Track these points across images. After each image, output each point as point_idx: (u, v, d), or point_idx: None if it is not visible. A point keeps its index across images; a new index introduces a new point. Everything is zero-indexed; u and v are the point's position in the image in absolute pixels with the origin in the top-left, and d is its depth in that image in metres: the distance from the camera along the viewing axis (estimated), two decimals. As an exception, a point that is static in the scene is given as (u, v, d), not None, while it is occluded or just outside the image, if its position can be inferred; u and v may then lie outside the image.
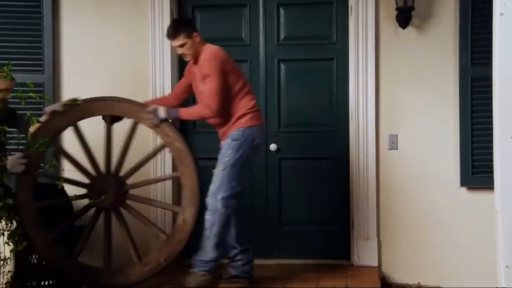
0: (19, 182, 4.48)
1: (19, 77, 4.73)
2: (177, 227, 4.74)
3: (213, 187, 4.55)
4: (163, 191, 5.66)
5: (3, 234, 4.00)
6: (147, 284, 4.74)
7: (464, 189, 5.40)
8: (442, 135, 5.44)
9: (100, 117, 4.79)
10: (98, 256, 4.85)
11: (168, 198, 5.64)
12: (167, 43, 5.65)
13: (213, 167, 4.67)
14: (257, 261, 4.94)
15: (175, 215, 5.06)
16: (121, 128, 4.83)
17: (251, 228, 5.49)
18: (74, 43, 5.72)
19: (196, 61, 4.72)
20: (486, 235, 5.29)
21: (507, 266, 3.48)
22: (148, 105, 4.70)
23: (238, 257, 4.75)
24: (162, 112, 4.63)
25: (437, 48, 5.44)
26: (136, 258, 4.83)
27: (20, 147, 4.33)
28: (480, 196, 5.35)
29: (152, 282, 4.76)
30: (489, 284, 5.16)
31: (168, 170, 5.64)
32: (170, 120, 4.70)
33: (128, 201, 4.86)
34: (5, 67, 3.83)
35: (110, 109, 4.73)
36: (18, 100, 4.28)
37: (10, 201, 3.76)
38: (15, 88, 4.20)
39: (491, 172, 5.18)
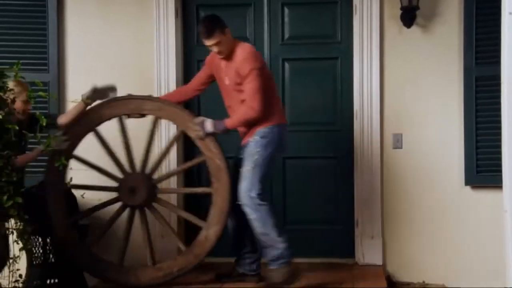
0: (50, 163, 4.64)
1: (25, 76, 4.72)
2: (198, 242, 4.78)
3: (244, 186, 4.53)
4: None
5: (12, 233, 3.99)
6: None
7: (468, 188, 5.41)
8: (447, 134, 5.45)
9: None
10: (110, 253, 4.93)
11: (173, 201, 5.63)
12: (172, 42, 5.68)
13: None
14: (262, 260, 4.92)
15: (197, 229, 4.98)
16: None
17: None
18: (78, 42, 5.72)
19: (226, 57, 4.67)
20: (490, 234, 5.35)
21: (516, 266, 3.48)
22: (194, 115, 4.77)
23: (246, 255, 4.77)
24: (209, 125, 4.63)
25: (441, 48, 5.46)
26: (151, 261, 4.87)
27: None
28: (484, 195, 5.37)
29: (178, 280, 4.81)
30: (493, 284, 5.19)
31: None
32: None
33: (154, 204, 4.94)
34: (14, 66, 3.81)
35: (160, 112, 4.79)
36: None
37: (19, 199, 3.76)
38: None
39: (496, 171, 5.23)
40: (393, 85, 5.53)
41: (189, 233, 5.49)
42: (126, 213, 4.97)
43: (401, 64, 5.51)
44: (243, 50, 4.60)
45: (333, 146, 5.67)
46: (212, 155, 4.70)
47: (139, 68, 5.70)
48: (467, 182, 5.40)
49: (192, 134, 4.72)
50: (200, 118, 4.70)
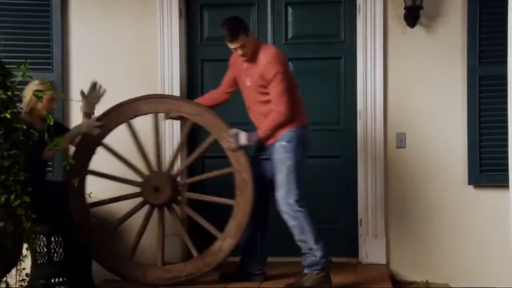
0: (78, 148, 4.78)
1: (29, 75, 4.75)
2: (211, 251, 4.80)
3: (281, 193, 4.53)
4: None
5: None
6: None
7: (472, 187, 5.43)
8: (450, 133, 5.47)
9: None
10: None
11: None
12: (176, 41, 5.69)
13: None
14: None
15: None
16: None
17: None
18: (82, 42, 5.73)
19: (249, 58, 4.66)
20: (494, 233, 5.37)
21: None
22: (229, 126, 4.75)
23: (253, 254, 4.81)
24: (243, 138, 4.64)
25: (445, 47, 5.47)
26: (160, 262, 4.88)
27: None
28: (488, 194, 5.41)
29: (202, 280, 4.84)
30: (497, 283, 5.21)
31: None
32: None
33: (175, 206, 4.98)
34: (22, 66, 3.81)
35: (198, 117, 4.81)
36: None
37: (26, 199, 3.74)
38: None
39: (499, 170, 5.28)
40: (396, 84, 5.54)
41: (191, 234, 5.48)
42: (143, 210, 5.01)
43: (405, 63, 5.52)
44: (267, 53, 4.57)
45: (337, 146, 5.69)
46: (240, 169, 4.71)
47: (143, 67, 5.70)
48: (471, 182, 5.41)
49: (224, 144, 4.73)
50: (235, 130, 4.68)
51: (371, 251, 5.53)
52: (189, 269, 4.82)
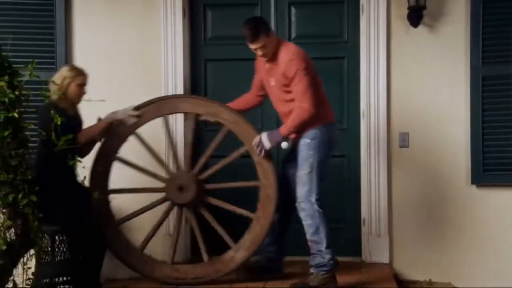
0: (110, 134, 4.80)
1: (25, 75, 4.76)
2: (222, 259, 4.83)
3: (303, 191, 4.53)
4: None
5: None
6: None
7: (475, 187, 5.44)
8: (453, 133, 5.49)
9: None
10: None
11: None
12: (179, 41, 5.69)
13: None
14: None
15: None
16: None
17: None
18: (86, 41, 5.73)
19: (270, 58, 4.66)
20: (497, 233, 5.39)
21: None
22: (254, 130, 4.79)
23: (270, 248, 4.82)
24: (266, 142, 4.62)
25: (448, 47, 5.49)
26: (170, 260, 4.91)
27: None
28: (491, 194, 5.43)
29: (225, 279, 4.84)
30: (500, 283, 5.25)
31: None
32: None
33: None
34: (29, 65, 3.83)
35: (235, 125, 4.81)
36: (36, 98, 4.31)
37: (34, 198, 3.76)
38: (39, 86, 4.22)
39: (503, 170, 5.31)
40: (399, 84, 5.55)
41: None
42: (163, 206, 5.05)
43: (408, 63, 5.54)
44: (287, 51, 4.58)
45: (340, 145, 5.65)
46: (267, 184, 4.72)
47: (146, 67, 5.70)
48: (474, 181, 5.43)
49: (256, 158, 4.74)
50: (257, 138, 4.67)
51: (374, 250, 5.54)
52: (198, 272, 4.83)
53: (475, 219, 5.46)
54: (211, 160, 5.07)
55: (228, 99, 5.04)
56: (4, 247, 3.74)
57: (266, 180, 4.72)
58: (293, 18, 5.78)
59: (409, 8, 5.40)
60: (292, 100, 4.59)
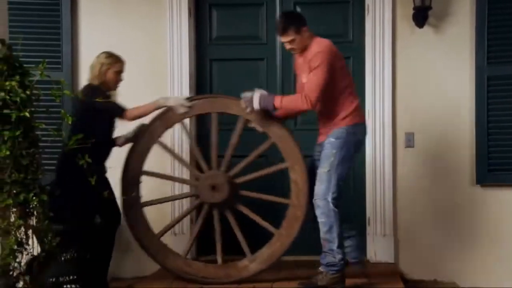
0: (144, 129, 4.81)
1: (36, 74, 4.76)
2: (236, 265, 4.83)
3: (321, 188, 4.51)
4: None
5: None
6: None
7: (480, 187, 5.47)
8: (458, 133, 5.51)
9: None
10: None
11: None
12: (185, 41, 5.70)
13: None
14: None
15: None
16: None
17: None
18: (91, 41, 5.73)
19: (302, 55, 4.62)
20: (502, 233, 5.41)
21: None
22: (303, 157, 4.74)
23: (347, 243, 4.74)
24: (256, 104, 4.55)
25: (453, 47, 5.51)
26: (185, 254, 4.92)
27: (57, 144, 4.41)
28: (496, 194, 5.46)
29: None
30: (506, 283, 5.27)
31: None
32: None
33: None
34: (40, 65, 3.83)
35: (280, 139, 4.75)
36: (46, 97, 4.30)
37: (44, 197, 3.77)
38: (49, 86, 4.21)
39: (507, 170, 5.33)
40: (405, 84, 5.57)
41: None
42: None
43: (413, 64, 5.56)
44: (319, 44, 4.53)
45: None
46: (297, 204, 4.72)
47: (152, 66, 5.72)
48: (479, 181, 5.45)
49: (292, 175, 4.72)
50: (248, 94, 4.61)
51: (380, 250, 5.56)
52: (209, 272, 4.84)
53: (480, 219, 5.48)
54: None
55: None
56: (15, 246, 3.74)
57: (297, 200, 4.72)
58: (298, 18, 5.79)
59: (415, 8, 5.42)
60: (328, 99, 4.54)
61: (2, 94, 3.59)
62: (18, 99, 3.62)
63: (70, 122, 3.90)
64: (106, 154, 4.84)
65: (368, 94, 5.60)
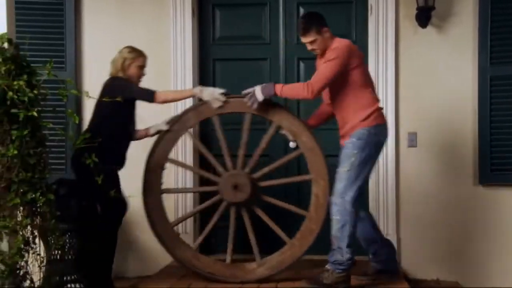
0: (176, 118, 4.83)
1: (43, 74, 4.75)
2: (244, 267, 4.83)
3: (339, 186, 4.50)
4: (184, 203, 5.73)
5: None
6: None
7: (482, 186, 5.48)
8: (461, 133, 5.52)
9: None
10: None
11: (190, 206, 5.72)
12: (188, 41, 5.71)
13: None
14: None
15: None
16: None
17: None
18: (95, 40, 5.75)
19: (322, 55, 4.62)
20: (505, 233, 5.42)
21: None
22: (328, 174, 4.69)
23: (382, 251, 4.74)
24: (259, 94, 4.58)
25: (456, 48, 5.53)
26: (195, 247, 4.94)
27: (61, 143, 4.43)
28: (498, 194, 5.47)
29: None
30: (506, 283, 5.29)
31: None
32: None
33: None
34: (47, 65, 3.84)
35: (309, 151, 4.72)
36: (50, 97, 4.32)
37: (51, 196, 3.78)
38: (57, 85, 4.23)
39: (510, 170, 5.33)
40: (407, 84, 5.59)
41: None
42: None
43: (416, 64, 5.57)
44: (338, 42, 4.54)
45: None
46: (314, 218, 4.70)
47: (155, 66, 5.66)
48: (482, 181, 5.47)
49: (315, 188, 4.72)
50: (249, 90, 4.63)
51: (383, 249, 5.56)
52: (216, 269, 4.82)
53: (482, 218, 5.50)
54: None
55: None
56: (21, 245, 3.75)
57: (316, 214, 4.71)
58: (301, 19, 5.81)
59: (418, 8, 5.43)
60: (344, 94, 4.53)
61: (10, 93, 3.60)
62: (26, 99, 3.63)
63: (77, 122, 3.90)
64: (125, 146, 4.85)
65: (371, 94, 5.60)
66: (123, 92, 4.63)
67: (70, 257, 4.91)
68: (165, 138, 4.83)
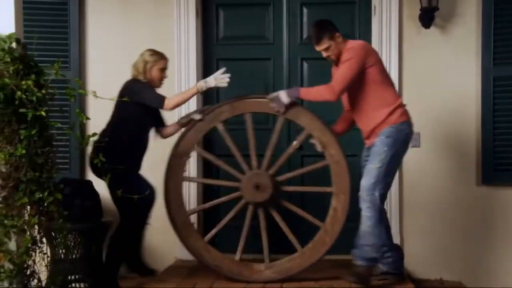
0: (209, 109, 4.83)
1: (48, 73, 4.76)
2: (251, 266, 4.84)
3: (368, 183, 4.53)
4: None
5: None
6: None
7: (486, 186, 5.50)
8: (465, 133, 5.55)
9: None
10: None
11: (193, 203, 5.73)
12: (192, 41, 5.72)
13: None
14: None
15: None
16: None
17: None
18: (99, 40, 5.77)
19: (337, 62, 4.68)
20: (506, 232, 5.44)
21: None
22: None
23: (389, 253, 4.73)
24: (285, 97, 4.64)
25: (459, 48, 5.55)
26: (207, 240, 4.90)
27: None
28: (502, 193, 5.50)
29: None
30: (510, 283, 5.29)
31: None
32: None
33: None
34: (55, 64, 3.85)
35: (335, 164, 4.74)
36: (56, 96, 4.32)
37: (59, 196, 3.79)
38: (61, 85, 4.23)
39: (513, 170, 5.33)
40: (411, 85, 5.60)
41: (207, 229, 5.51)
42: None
43: (420, 64, 5.59)
44: (352, 42, 4.60)
45: (352, 144, 5.70)
46: (329, 231, 4.73)
47: (159, 66, 5.72)
48: (485, 181, 5.49)
49: (334, 202, 4.72)
50: (273, 94, 4.69)
51: (386, 249, 5.57)
52: (224, 264, 4.83)
53: (486, 218, 5.52)
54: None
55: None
56: (29, 245, 3.75)
57: (331, 228, 4.73)
58: (305, 19, 5.84)
59: (422, 9, 5.45)
60: (361, 96, 4.58)
61: (19, 93, 3.60)
62: (34, 98, 3.63)
63: (84, 121, 3.91)
64: (140, 148, 4.89)
65: (375, 94, 5.61)
66: (135, 96, 4.68)
67: (74, 256, 4.94)
68: (196, 126, 4.84)
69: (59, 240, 4.17)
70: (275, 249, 4.95)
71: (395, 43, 5.58)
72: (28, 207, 3.79)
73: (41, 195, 3.73)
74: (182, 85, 5.71)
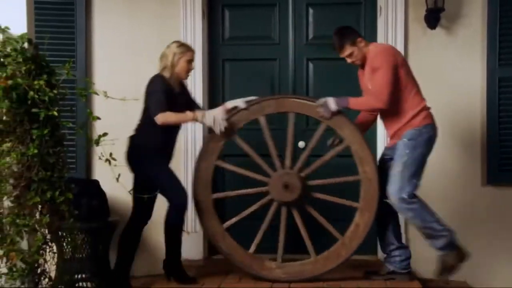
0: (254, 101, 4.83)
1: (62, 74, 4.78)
2: (262, 264, 4.84)
3: (394, 188, 4.57)
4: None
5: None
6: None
7: (491, 186, 5.53)
8: (470, 133, 5.57)
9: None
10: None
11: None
12: (198, 41, 5.74)
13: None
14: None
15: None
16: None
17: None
18: (105, 40, 5.78)
19: (363, 65, 4.72)
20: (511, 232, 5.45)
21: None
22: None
23: (396, 252, 4.80)
24: (332, 104, 4.67)
25: (465, 49, 5.57)
26: (225, 227, 4.92)
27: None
28: (507, 193, 5.53)
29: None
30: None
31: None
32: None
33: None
34: (66, 65, 3.87)
35: (364, 174, 4.77)
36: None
37: (70, 195, 3.81)
38: (69, 85, 4.25)
39: (518, 170, 5.34)
40: (416, 85, 5.61)
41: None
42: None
43: (425, 65, 5.59)
44: (375, 47, 4.65)
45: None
46: (347, 244, 4.77)
47: (165, 66, 5.73)
48: (490, 180, 5.52)
49: (358, 218, 4.78)
50: (322, 100, 4.71)
51: (391, 249, 5.58)
52: (236, 254, 4.84)
53: (491, 218, 5.55)
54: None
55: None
56: (40, 244, 3.77)
57: (350, 242, 4.76)
58: (310, 19, 5.86)
59: (427, 10, 5.47)
60: (393, 104, 4.60)
61: (31, 93, 3.62)
62: (46, 98, 3.65)
63: (95, 120, 3.93)
64: (169, 140, 4.87)
65: (380, 95, 5.62)
66: (148, 94, 4.72)
67: (81, 255, 4.97)
68: (240, 114, 4.83)
69: (68, 239, 4.16)
70: (288, 248, 4.97)
71: (401, 44, 5.60)
72: (40, 206, 3.81)
73: (52, 194, 3.74)
74: (188, 86, 5.68)
